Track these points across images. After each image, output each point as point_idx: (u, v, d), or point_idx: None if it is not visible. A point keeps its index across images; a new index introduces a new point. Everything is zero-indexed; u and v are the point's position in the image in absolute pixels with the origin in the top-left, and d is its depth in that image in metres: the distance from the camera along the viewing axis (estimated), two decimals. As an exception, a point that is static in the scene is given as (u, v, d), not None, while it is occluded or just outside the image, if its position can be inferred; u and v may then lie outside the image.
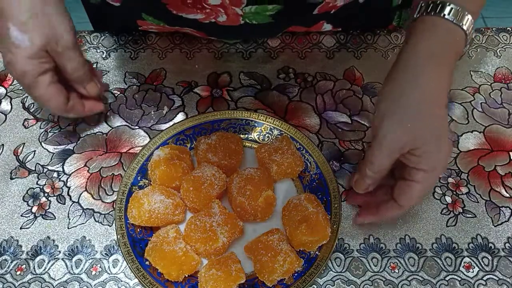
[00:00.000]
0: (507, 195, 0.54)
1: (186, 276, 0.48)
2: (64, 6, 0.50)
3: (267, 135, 0.57)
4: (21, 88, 0.63)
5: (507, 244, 0.51)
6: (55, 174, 0.56)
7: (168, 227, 0.50)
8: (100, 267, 0.50)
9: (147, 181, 0.54)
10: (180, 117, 0.60)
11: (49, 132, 0.59)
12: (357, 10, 0.62)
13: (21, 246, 0.51)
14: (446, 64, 0.45)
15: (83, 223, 0.53)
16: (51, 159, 0.57)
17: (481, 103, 0.61)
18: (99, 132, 0.59)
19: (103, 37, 0.67)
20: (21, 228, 0.52)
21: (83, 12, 0.69)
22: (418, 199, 0.47)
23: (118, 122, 0.60)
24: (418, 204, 0.53)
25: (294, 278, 0.48)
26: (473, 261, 0.50)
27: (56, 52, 0.49)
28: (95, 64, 0.64)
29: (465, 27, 0.45)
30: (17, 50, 0.47)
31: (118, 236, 0.49)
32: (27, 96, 0.62)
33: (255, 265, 0.48)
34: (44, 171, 0.56)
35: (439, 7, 0.45)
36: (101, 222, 0.53)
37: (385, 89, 0.46)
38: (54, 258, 0.50)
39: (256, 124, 0.58)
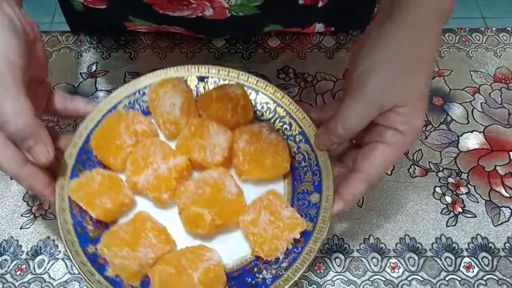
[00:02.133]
0: (507, 195, 0.54)
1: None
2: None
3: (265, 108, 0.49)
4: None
5: (507, 244, 0.51)
6: (55, 174, 0.56)
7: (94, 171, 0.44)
8: (100, 267, 0.50)
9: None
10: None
11: (49, 132, 0.59)
12: (347, 5, 0.62)
13: (21, 246, 0.51)
14: (438, 20, 0.41)
15: (83, 223, 0.52)
16: (51, 159, 0.57)
17: (481, 103, 0.61)
18: (99, 132, 0.59)
19: (103, 37, 0.67)
20: (21, 228, 0.52)
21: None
22: (385, 166, 0.41)
23: (118, 122, 0.60)
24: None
25: None
26: (473, 261, 0.50)
27: None
28: (95, 64, 0.64)
29: None
30: None
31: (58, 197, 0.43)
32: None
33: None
34: (44, 171, 0.56)
35: None
36: (101, 222, 0.53)
37: (373, 37, 0.40)
38: (54, 258, 0.50)
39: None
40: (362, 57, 0.40)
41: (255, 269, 0.42)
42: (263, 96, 0.49)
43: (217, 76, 0.50)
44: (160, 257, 0.40)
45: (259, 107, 0.49)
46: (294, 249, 0.42)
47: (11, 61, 0.38)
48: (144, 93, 0.49)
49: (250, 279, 0.41)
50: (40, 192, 0.42)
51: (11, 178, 0.55)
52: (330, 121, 0.42)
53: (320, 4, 0.59)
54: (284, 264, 0.41)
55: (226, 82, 0.50)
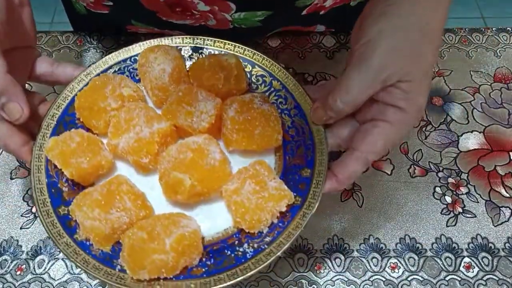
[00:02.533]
0: (507, 195, 0.54)
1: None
2: None
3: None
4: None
5: (507, 244, 0.51)
6: (55, 174, 0.56)
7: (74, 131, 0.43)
8: (100, 267, 0.50)
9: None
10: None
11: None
12: (348, 13, 0.62)
13: (21, 246, 0.51)
14: None
15: (83, 223, 0.52)
16: (51, 159, 0.57)
17: (481, 103, 0.61)
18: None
19: (103, 37, 0.67)
20: (21, 228, 0.52)
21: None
22: (384, 145, 0.39)
23: (118, 122, 0.60)
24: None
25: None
26: (473, 261, 0.50)
27: None
28: (95, 64, 0.64)
29: None
30: None
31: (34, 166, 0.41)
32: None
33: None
34: (44, 171, 0.56)
35: None
36: (101, 222, 0.53)
37: (380, 6, 0.38)
38: (54, 258, 0.50)
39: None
40: (369, 25, 0.38)
41: (236, 242, 0.39)
42: (259, 69, 0.47)
43: (213, 48, 0.49)
44: (135, 223, 0.38)
45: (254, 79, 0.47)
46: (280, 224, 0.39)
47: None
48: (135, 61, 0.47)
49: (229, 252, 0.38)
50: (15, 151, 0.41)
51: (11, 178, 0.55)
52: (328, 94, 0.40)
53: (322, 12, 0.60)
54: (267, 239, 0.38)
55: None
